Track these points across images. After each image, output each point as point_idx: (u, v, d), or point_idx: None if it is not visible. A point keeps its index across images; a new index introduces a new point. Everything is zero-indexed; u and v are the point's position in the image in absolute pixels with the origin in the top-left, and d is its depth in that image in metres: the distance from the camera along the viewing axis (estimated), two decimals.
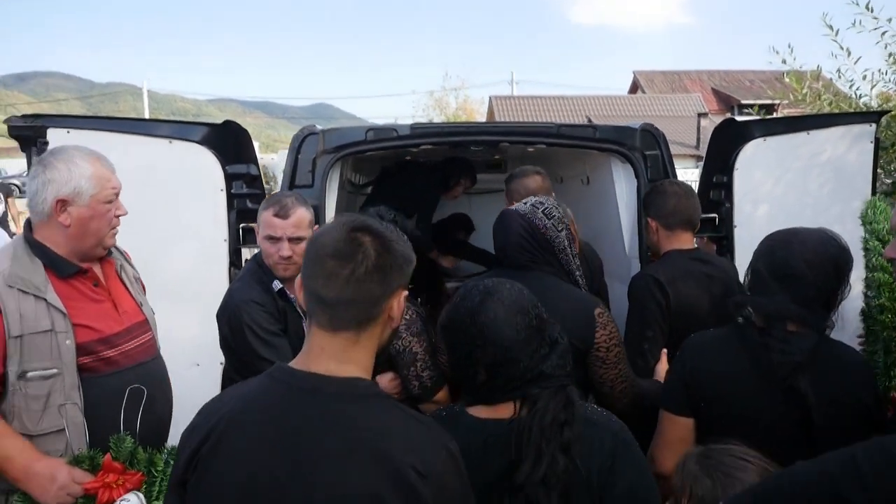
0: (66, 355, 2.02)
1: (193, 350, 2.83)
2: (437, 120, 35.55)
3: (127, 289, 2.29)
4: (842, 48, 6.68)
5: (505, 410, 1.55)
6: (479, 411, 1.58)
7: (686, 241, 2.75)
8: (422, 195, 4.48)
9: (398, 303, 1.36)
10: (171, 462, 1.96)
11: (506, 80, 45.11)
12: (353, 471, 1.21)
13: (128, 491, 1.93)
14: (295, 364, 1.34)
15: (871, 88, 6.91)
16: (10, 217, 8.19)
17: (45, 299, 2.01)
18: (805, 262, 1.79)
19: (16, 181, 19.65)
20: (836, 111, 7.19)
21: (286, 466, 1.23)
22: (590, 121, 28.68)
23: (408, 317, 2.35)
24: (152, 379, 2.22)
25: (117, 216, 2.17)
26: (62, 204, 2.06)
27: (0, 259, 2.06)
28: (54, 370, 2.00)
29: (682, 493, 1.62)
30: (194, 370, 2.81)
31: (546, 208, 2.37)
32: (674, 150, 3.51)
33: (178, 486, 1.34)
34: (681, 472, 1.65)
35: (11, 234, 7.20)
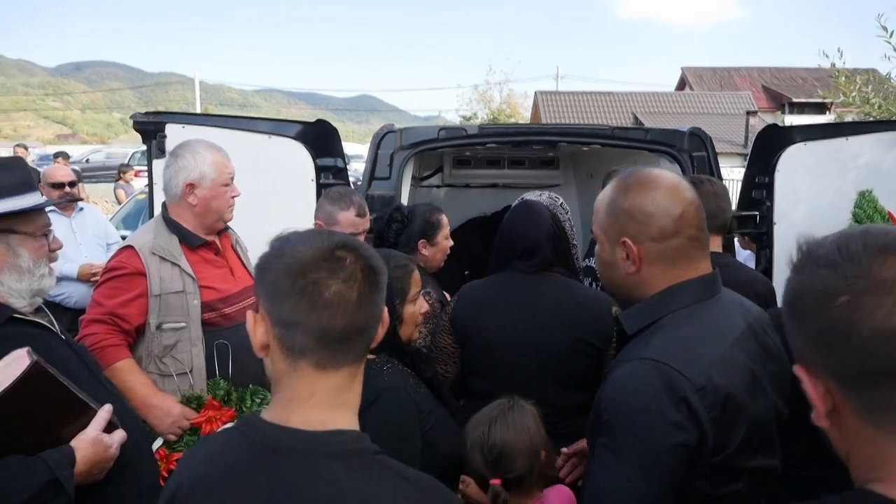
0: (193, 312, 2.44)
1: None
2: (480, 114, 35.62)
3: (240, 258, 2.71)
4: (895, 50, 6.71)
5: None
6: None
7: None
8: None
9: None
10: (258, 401, 2.30)
11: (551, 74, 44.61)
12: None
13: (224, 424, 2.21)
14: (269, 415, 1.12)
15: None
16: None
17: (179, 265, 2.44)
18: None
19: (76, 167, 20.51)
20: (885, 115, 7.26)
21: None
22: (635, 117, 28.27)
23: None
24: None
25: (233, 196, 2.58)
26: (190, 187, 2.49)
27: (145, 233, 2.53)
28: (183, 324, 2.42)
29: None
30: None
31: (562, 202, 2.42)
32: (721, 147, 3.78)
33: None
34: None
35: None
